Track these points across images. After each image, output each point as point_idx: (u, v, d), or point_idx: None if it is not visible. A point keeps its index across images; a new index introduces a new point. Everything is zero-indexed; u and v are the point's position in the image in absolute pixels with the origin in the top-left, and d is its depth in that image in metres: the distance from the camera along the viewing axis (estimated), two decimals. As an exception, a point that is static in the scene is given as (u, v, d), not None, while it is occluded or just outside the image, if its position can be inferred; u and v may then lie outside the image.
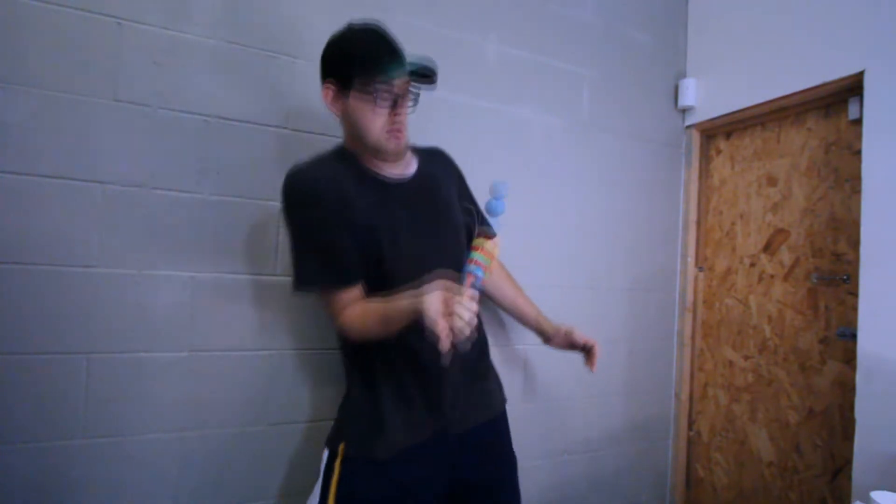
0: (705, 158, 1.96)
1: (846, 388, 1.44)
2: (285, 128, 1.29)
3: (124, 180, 1.13)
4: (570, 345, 1.19)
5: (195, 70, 1.20)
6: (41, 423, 1.06)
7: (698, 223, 1.95)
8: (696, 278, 1.95)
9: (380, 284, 0.96)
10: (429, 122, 1.47)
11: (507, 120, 1.60)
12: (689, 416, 1.94)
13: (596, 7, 1.76)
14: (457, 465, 1.02)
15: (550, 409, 1.63)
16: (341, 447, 0.98)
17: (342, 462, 0.97)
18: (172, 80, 1.17)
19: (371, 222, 0.96)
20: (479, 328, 1.09)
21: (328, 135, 1.33)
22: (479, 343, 1.09)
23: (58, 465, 1.07)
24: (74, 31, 1.09)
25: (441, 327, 0.74)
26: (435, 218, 1.05)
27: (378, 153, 0.99)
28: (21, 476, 1.05)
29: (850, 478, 1.35)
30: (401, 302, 0.86)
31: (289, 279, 1.29)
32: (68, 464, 1.08)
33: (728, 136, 1.89)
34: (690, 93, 1.88)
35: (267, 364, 1.26)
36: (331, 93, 0.98)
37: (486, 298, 1.26)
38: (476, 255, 0.81)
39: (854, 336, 1.39)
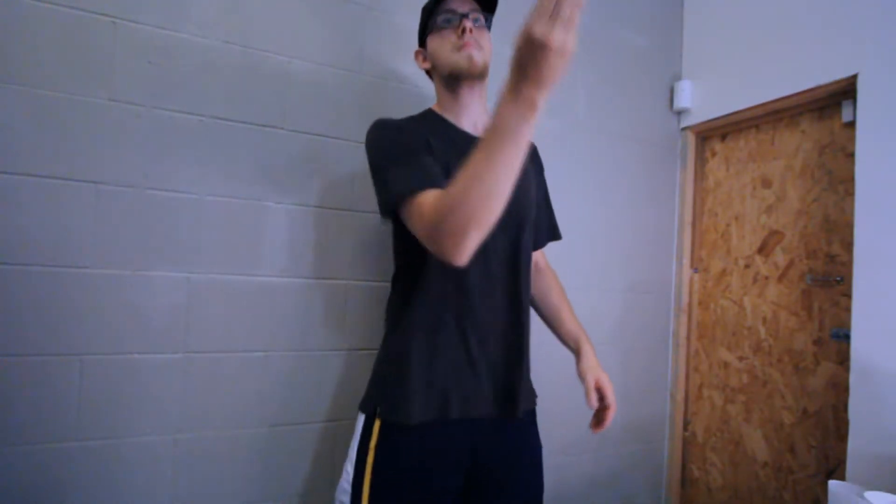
0: (700, 160, 1.97)
1: (840, 389, 1.45)
2: (281, 128, 1.28)
3: (118, 180, 1.12)
4: (595, 390, 1.04)
5: (190, 70, 1.19)
6: (34, 425, 1.05)
7: (693, 225, 1.95)
8: (691, 279, 1.95)
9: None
10: (425, 123, 1.47)
11: (503, 121, 1.59)
12: (684, 416, 1.95)
13: (592, 9, 1.76)
14: (480, 448, 0.97)
15: (547, 410, 1.63)
16: (378, 411, 0.95)
17: (380, 428, 0.94)
18: (167, 79, 1.17)
19: (448, 164, 0.90)
20: (527, 318, 1.04)
21: (327, 136, 1.33)
22: (523, 328, 1.02)
23: (51, 467, 1.06)
24: (69, 30, 1.08)
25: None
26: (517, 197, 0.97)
27: (457, 78, 0.99)
28: (14, 479, 1.04)
29: (843, 478, 1.36)
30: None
31: (287, 279, 1.29)
32: (62, 466, 1.07)
33: (723, 138, 1.90)
34: (686, 95, 1.89)
35: (263, 366, 1.26)
36: (420, 55, 1.08)
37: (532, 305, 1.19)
38: None
39: (848, 337, 1.40)
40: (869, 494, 0.97)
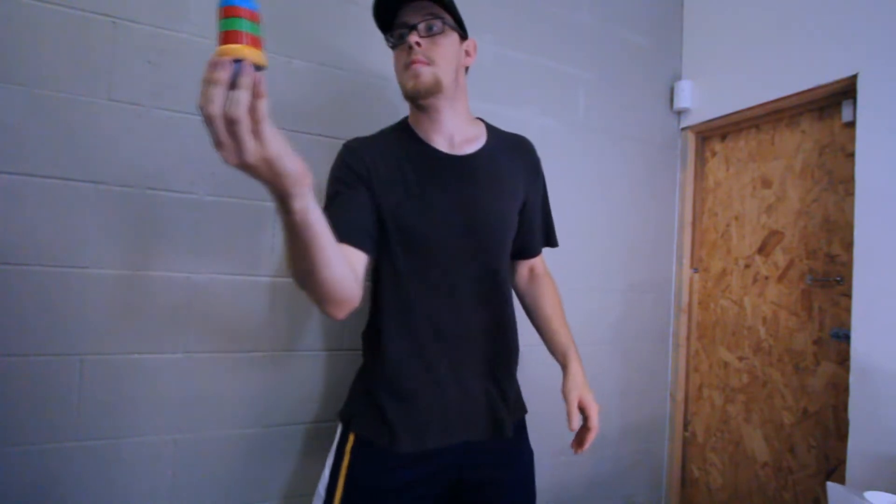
0: (700, 160, 1.97)
1: (840, 389, 1.45)
2: (281, 128, 1.28)
3: (118, 180, 1.12)
4: (577, 411, 0.97)
5: (190, 70, 1.19)
6: (34, 426, 1.05)
7: (693, 225, 1.95)
8: (691, 279, 1.95)
9: (412, 267, 0.93)
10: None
11: (503, 121, 1.58)
12: (685, 416, 1.94)
13: (592, 9, 1.76)
14: (465, 465, 0.96)
15: (546, 411, 1.63)
16: (352, 424, 0.96)
17: (354, 441, 0.94)
18: (167, 79, 1.17)
19: (423, 190, 0.92)
20: (512, 335, 1.03)
21: (324, 136, 1.33)
22: (509, 347, 1.02)
23: (51, 467, 1.06)
24: (69, 30, 1.08)
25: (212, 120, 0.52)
26: (474, 204, 0.95)
27: (412, 101, 0.95)
28: (14, 479, 1.04)
29: (843, 478, 1.36)
30: None
31: (285, 279, 1.29)
32: (62, 466, 1.07)
33: (723, 138, 1.90)
34: (686, 95, 1.89)
35: (263, 366, 1.26)
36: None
37: (526, 314, 1.19)
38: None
39: (847, 337, 1.40)
40: (869, 494, 0.97)
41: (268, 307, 1.26)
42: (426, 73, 0.90)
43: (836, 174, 1.52)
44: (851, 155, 1.44)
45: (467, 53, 1.01)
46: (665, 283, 1.94)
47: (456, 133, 0.99)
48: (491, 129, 1.06)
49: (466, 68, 1.03)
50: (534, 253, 1.16)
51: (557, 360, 1.07)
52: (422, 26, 0.90)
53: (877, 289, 1.33)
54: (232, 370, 1.22)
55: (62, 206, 1.08)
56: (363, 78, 1.38)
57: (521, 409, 1.07)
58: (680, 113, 1.95)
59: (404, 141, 0.98)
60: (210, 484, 1.20)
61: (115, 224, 1.12)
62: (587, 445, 0.97)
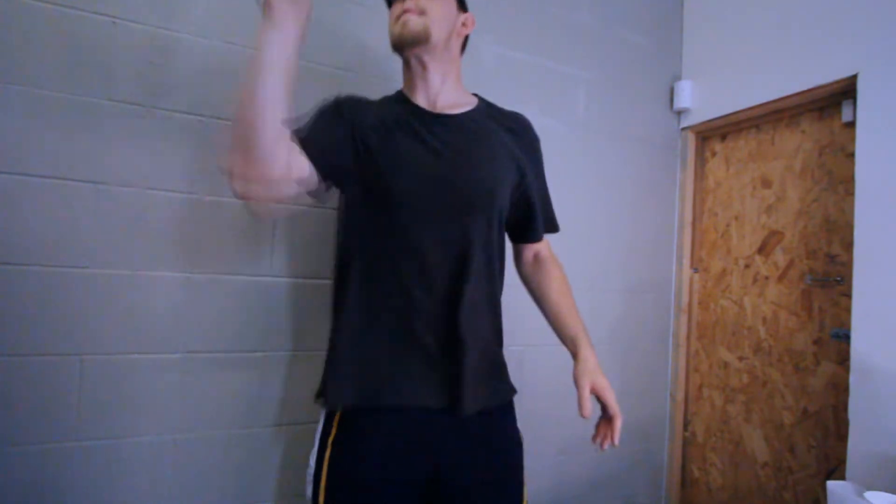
0: (700, 160, 1.97)
1: (840, 389, 1.45)
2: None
3: (118, 180, 1.12)
4: (590, 397, 0.91)
5: (190, 70, 1.19)
6: (34, 425, 1.05)
7: (693, 225, 1.95)
8: (691, 279, 1.95)
9: (384, 224, 0.89)
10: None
11: (503, 121, 1.60)
12: (685, 416, 1.94)
13: (592, 9, 1.76)
14: (440, 451, 0.88)
15: (546, 410, 1.63)
16: (321, 401, 0.91)
17: (325, 417, 0.90)
18: (167, 79, 1.17)
19: (376, 142, 0.89)
20: (490, 315, 0.97)
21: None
22: (460, 320, 0.90)
23: (51, 467, 1.06)
24: (68, 30, 1.08)
25: None
26: (455, 159, 0.90)
27: (399, 51, 0.94)
28: (13, 479, 1.04)
29: (843, 478, 1.36)
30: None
31: (285, 279, 1.30)
32: (62, 466, 1.07)
33: (723, 138, 1.90)
34: (686, 95, 1.89)
35: (263, 366, 1.26)
36: None
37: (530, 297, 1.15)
38: None
39: (848, 337, 1.40)
40: (869, 494, 0.97)
41: (268, 307, 1.26)
42: (414, 21, 0.89)
43: (836, 174, 1.52)
44: (851, 155, 1.44)
45: (464, 24, 0.99)
46: (665, 283, 1.94)
47: (442, 96, 0.96)
48: (486, 101, 1.03)
49: (464, 43, 1.02)
50: (537, 237, 1.10)
51: (567, 347, 1.02)
52: None
53: (877, 289, 1.33)
54: (232, 370, 1.22)
55: (61, 205, 1.08)
56: (364, 78, 1.38)
57: (503, 391, 0.98)
58: (680, 113, 1.95)
59: (391, 102, 0.98)
60: (210, 484, 1.20)
61: (115, 224, 1.12)
62: (617, 436, 0.89)
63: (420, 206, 0.88)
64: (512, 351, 1.59)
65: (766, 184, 1.73)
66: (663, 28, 1.93)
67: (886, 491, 1.02)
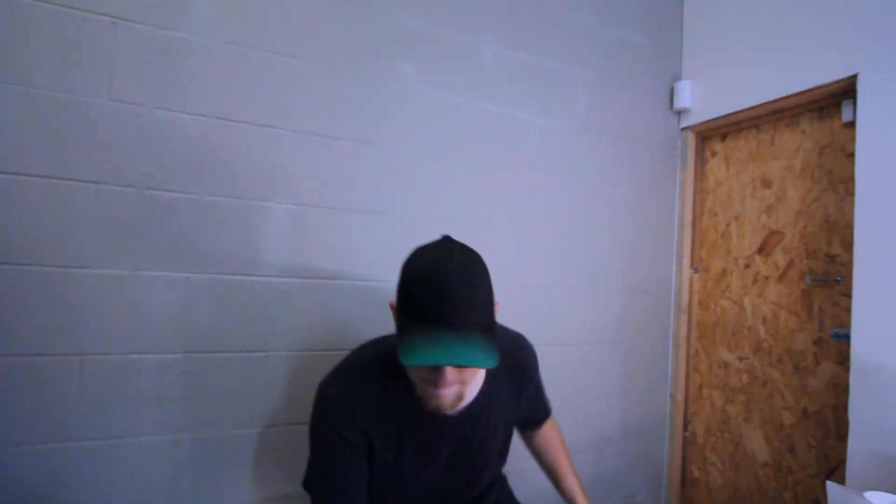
0: (700, 160, 1.97)
1: (840, 389, 1.45)
2: (281, 128, 1.28)
3: (118, 180, 1.12)
4: None
5: (190, 70, 1.19)
6: (34, 426, 1.05)
7: (693, 225, 1.95)
8: (691, 279, 1.95)
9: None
10: (425, 124, 1.47)
11: (503, 121, 1.60)
12: (685, 416, 1.94)
13: (592, 9, 1.76)
14: None
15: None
16: None
17: None
18: (167, 79, 1.17)
19: (392, 461, 0.89)
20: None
21: (328, 136, 1.33)
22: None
23: (51, 467, 1.06)
24: (68, 29, 1.08)
25: None
26: (470, 459, 0.95)
27: (423, 407, 0.85)
28: (14, 478, 1.04)
29: (843, 478, 1.36)
30: None
31: (285, 279, 1.30)
32: (62, 466, 1.07)
33: (723, 138, 1.90)
34: (686, 95, 1.89)
35: (263, 366, 1.26)
36: (393, 305, 0.83)
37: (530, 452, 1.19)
38: None
39: (847, 337, 1.40)
40: (869, 494, 0.97)
41: (268, 307, 1.26)
42: (451, 397, 0.80)
43: (836, 174, 1.52)
44: (851, 155, 1.44)
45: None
46: (665, 283, 1.94)
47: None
48: None
49: None
50: (538, 426, 1.14)
51: (562, 496, 1.12)
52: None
53: (877, 289, 1.33)
54: (232, 370, 1.22)
55: (62, 205, 1.08)
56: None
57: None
58: (680, 113, 1.95)
59: (401, 396, 0.86)
60: (210, 484, 1.20)
61: (115, 224, 1.12)
62: None
63: (437, 493, 0.96)
64: (512, 351, 1.59)
65: (766, 184, 1.73)
66: (663, 28, 1.93)
67: (887, 491, 1.02)
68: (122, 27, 1.13)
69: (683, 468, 1.94)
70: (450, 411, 0.83)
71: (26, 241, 1.05)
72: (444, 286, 0.73)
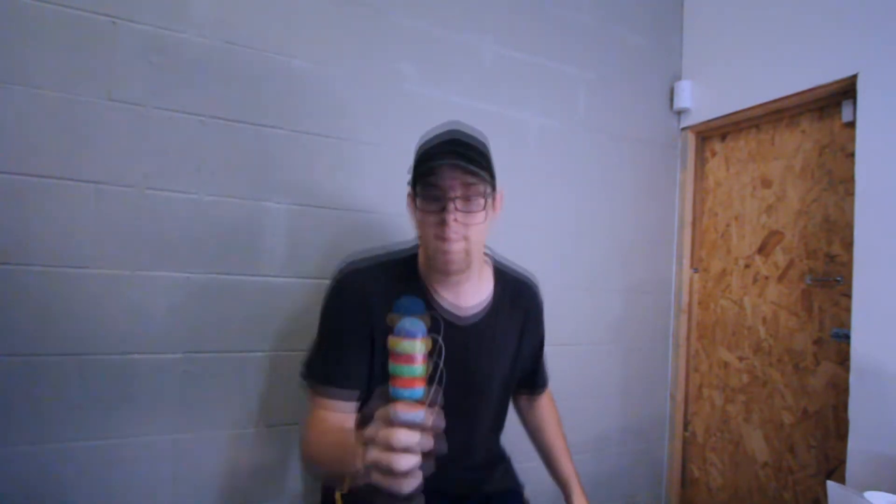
0: (700, 160, 1.97)
1: (840, 389, 1.45)
2: (281, 128, 1.28)
3: (118, 180, 1.12)
4: None
5: (190, 70, 1.19)
6: (34, 426, 1.05)
7: (693, 224, 1.95)
8: (691, 279, 1.95)
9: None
10: (425, 124, 1.47)
11: (503, 121, 1.60)
12: (685, 416, 1.94)
13: (592, 9, 1.76)
14: None
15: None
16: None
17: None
18: (167, 79, 1.17)
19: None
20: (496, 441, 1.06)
21: (328, 136, 1.33)
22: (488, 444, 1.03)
23: (51, 468, 1.06)
24: (69, 29, 1.08)
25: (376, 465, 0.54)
26: (470, 371, 0.94)
27: (435, 269, 0.89)
28: (13, 479, 1.04)
29: (843, 478, 1.36)
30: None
31: (285, 279, 1.30)
32: (62, 467, 1.07)
33: (723, 138, 1.90)
34: (686, 95, 1.89)
35: (263, 366, 1.26)
36: (410, 200, 0.90)
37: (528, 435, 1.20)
38: (399, 348, 0.58)
39: (848, 337, 1.40)
40: (869, 494, 0.97)
41: (267, 307, 1.26)
42: (459, 254, 0.85)
43: (836, 174, 1.52)
44: (851, 155, 1.44)
45: (495, 208, 0.93)
46: (665, 283, 1.94)
47: (465, 295, 0.95)
48: (498, 277, 1.01)
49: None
50: (535, 392, 1.15)
51: (559, 487, 1.11)
52: (460, 203, 0.83)
53: (877, 289, 1.33)
54: (232, 370, 1.22)
55: (61, 205, 1.08)
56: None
57: (507, 481, 1.07)
58: (680, 113, 1.95)
59: (411, 288, 0.91)
60: (210, 484, 1.20)
61: (116, 224, 1.12)
62: None
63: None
64: (512, 351, 1.59)
65: (766, 184, 1.73)
66: (663, 28, 1.93)
67: (887, 491, 1.02)
68: (122, 27, 1.13)
69: (683, 468, 1.94)
70: (455, 269, 0.86)
71: (26, 242, 1.05)
72: (453, 133, 0.87)
